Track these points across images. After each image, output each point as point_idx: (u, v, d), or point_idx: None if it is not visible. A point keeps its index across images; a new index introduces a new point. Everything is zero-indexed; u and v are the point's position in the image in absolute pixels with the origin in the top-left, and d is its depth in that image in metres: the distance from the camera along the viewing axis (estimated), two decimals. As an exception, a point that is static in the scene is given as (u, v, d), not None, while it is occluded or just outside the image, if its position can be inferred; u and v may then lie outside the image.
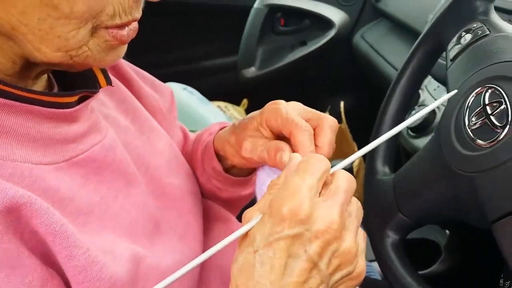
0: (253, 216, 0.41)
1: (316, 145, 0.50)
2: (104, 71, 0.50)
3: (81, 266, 0.40)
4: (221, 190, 0.66)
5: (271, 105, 0.53)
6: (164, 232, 0.54)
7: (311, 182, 0.40)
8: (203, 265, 0.58)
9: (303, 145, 0.49)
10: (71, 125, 0.45)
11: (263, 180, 0.54)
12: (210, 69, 1.79)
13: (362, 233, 0.44)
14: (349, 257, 0.40)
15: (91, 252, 0.41)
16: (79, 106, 0.46)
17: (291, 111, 0.51)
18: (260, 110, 0.54)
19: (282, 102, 0.52)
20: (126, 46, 0.45)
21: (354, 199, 0.43)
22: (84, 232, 0.44)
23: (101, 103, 0.54)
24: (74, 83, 0.48)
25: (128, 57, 0.65)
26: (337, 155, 1.55)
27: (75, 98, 0.46)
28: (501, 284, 0.49)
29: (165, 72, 1.49)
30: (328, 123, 0.51)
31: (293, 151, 0.49)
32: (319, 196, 0.41)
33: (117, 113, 0.55)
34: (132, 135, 0.55)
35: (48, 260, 0.41)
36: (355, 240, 0.41)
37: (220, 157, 0.62)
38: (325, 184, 0.42)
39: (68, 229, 0.40)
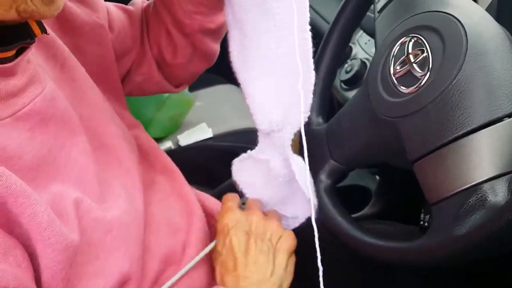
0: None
1: None
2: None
3: (45, 222, 0.41)
4: (207, 22, 0.66)
5: None
6: (109, 181, 0.54)
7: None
8: (149, 218, 0.59)
9: None
10: (10, 79, 0.44)
11: None
12: None
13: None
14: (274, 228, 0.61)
15: (49, 208, 0.42)
16: (18, 59, 0.44)
17: None
18: None
19: None
20: None
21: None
22: (33, 187, 0.43)
23: (32, 53, 0.52)
24: (8, 37, 0.46)
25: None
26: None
27: (13, 52, 0.45)
28: (422, 218, 0.54)
29: None
30: None
31: None
32: None
33: (46, 63, 0.54)
34: (62, 85, 0.54)
35: (10, 226, 0.40)
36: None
37: None
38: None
39: (27, 188, 0.40)
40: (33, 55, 0.51)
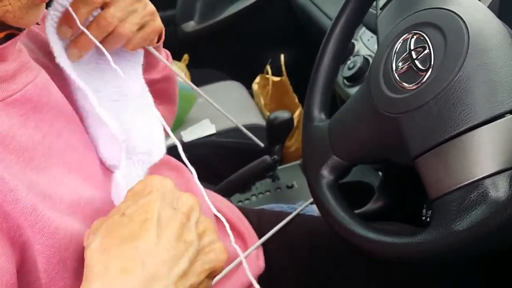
0: None
1: None
2: None
3: (29, 207, 0.41)
4: (151, 75, 0.66)
5: None
6: (108, 170, 0.55)
7: None
8: None
9: None
10: (0, 64, 0.45)
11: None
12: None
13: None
14: (210, 226, 0.45)
15: (32, 194, 0.42)
16: (7, 44, 0.45)
17: None
18: None
19: None
20: (44, 5, 0.45)
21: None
22: (30, 169, 0.44)
23: (27, 47, 0.52)
24: None
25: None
26: (279, 106, 1.58)
27: (1, 35, 0.45)
28: (424, 214, 0.55)
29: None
30: None
31: None
32: None
33: (43, 57, 0.54)
34: (62, 77, 0.54)
35: None
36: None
37: None
38: None
39: (5, 175, 0.40)
40: (25, 46, 0.52)
